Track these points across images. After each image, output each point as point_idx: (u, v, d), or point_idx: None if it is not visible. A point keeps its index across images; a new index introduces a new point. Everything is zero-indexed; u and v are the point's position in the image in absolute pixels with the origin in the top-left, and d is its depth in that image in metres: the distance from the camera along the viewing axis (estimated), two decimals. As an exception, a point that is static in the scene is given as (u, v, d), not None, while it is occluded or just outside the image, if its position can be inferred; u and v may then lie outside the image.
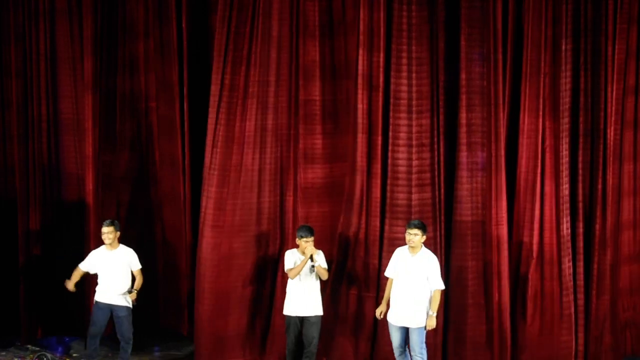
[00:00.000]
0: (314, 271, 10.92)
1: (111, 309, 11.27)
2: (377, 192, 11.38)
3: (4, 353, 12.04)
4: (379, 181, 11.38)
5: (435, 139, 11.36)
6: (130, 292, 11.27)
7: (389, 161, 11.37)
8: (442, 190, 11.39)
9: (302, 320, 11.03)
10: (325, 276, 11.03)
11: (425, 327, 10.55)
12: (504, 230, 11.23)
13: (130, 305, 11.30)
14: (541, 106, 11.24)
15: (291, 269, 10.93)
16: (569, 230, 11.31)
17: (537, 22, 11.15)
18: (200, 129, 11.84)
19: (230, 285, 11.58)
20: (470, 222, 11.35)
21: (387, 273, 10.81)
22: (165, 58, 12.16)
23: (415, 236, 10.52)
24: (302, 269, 10.89)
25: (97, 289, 11.35)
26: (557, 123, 11.26)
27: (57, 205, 12.36)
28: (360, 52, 11.32)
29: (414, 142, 11.32)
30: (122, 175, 12.37)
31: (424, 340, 10.63)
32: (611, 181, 11.30)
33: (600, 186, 11.30)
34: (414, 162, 11.32)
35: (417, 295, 10.53)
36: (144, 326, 11.98)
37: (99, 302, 11.30)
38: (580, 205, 11.36)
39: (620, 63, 11.22)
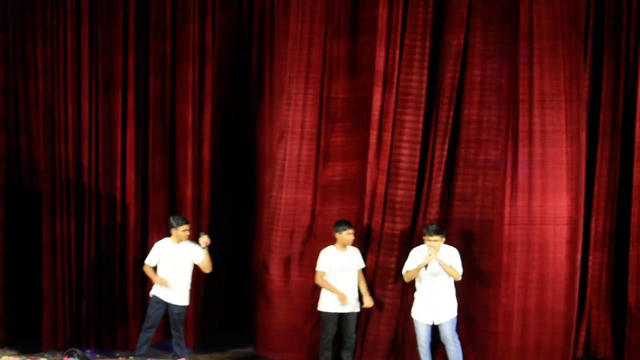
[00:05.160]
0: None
1: (167, 305, 11.28)
2: (382, 189, 11.41)
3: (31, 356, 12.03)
4: (385, 178, 11.41)
5: (432, 136, 11.36)
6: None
7: (393, 157, 11.39)
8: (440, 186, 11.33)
9: (341, 316, 11.02)
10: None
11: (456, 317, 10.77)
12: (518, 230, 11.13)
13: (187, 303, 11.34)
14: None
15: (408, 271, 10.86)
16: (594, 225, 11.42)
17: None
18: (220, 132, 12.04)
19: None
20: (478, 220, 11.29)
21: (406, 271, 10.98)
22: (185, 59, 12.15)
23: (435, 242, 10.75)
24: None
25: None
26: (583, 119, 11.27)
27: (81, 208, 12.25)
28: (378, 49, 11.36)
29: (419, 139, 11.36)
30: (152, 176, 12.28)
31: (456, 329, 10.76)
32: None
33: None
34: (416, 159, 11.35)
35: (441, 288, 10.73)
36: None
37: (156, 297, 11.29)
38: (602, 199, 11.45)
39: None
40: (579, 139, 11.15)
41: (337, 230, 11.04)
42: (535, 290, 11.10)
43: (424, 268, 10.70)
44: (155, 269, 11.40)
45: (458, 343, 10.81)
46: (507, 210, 11.10)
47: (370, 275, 11.43)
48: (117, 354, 12.06)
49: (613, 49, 11.47)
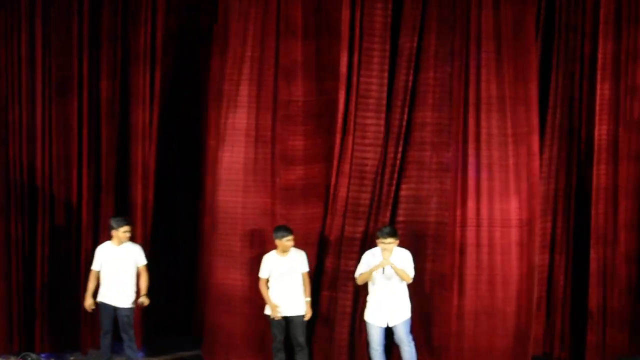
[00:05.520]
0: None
1: (114, 308, 11.21)
2: (344, 192, 11.43)
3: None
4: (347, 181, 11.44)
5: (385, 138, 11.40)
6: (142, 298, 11.25)
7: (354, 160, 11.42)
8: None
9: (286, 319, 11.04)
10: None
11: (410, 318, 10.77)
12: (468, 233, 11.19)
13: (133, 306, 11.27)
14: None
15: (362, 274, 10.82)
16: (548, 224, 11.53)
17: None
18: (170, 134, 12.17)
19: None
20: (433, 223, 11.34)
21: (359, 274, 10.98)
22: (136, 62, 12.14)
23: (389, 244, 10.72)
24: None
25: (101, 288, 11.25)
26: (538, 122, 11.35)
27: (35, 210, 12.18)
28: (341, 52, 11.38)
29: (381, 142, 11.38)
30: (104, 179, 12.26)
31: (410, 330, 10.79)
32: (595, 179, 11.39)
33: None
34: (377, 162, 11.38)
35: (395, 290, 10.73)
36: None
37: (103, 303, 11.23)
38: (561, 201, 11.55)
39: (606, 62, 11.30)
40: (527, 141, 11.22)
41: (277, 237, 11.01)
42: (485, 292, 11.18)
43: (381, 271, 10.70)
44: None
45: (412, 344, 10.84)
46: (458, 212, 11.18)
47: (332, 278, 11.47)
48: (71, 358, 12.04)
49: (567, 51, 11.53)
